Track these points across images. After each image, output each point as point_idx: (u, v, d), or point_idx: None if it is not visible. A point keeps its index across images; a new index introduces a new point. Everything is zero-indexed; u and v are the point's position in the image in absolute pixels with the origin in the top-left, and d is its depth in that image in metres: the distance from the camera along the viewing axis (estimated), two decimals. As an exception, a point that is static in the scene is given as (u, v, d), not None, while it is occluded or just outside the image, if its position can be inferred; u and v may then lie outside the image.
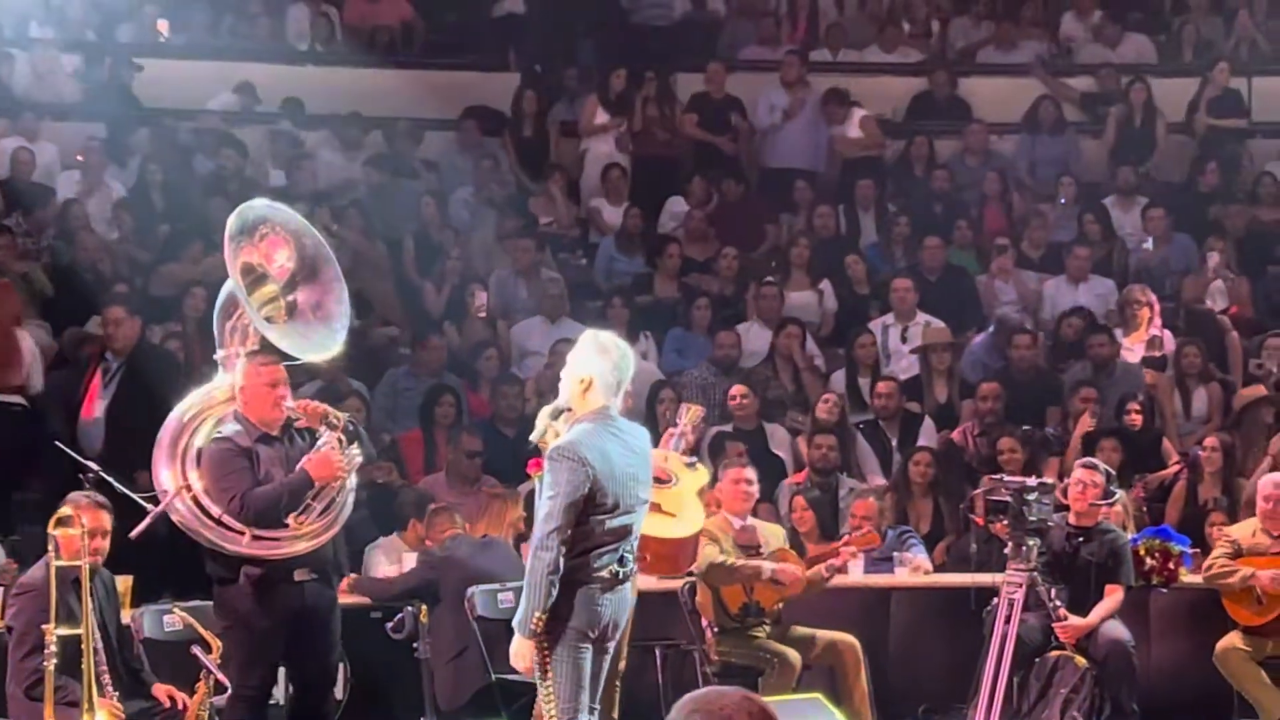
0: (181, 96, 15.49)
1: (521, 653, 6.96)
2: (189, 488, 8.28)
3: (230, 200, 13.99)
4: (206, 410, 8.41)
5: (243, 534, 8.17)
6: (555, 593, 6.88)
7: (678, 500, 9.01)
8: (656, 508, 8.46)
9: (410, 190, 15.06)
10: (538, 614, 6.88)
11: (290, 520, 8.18)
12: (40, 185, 14.14)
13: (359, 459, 8.36)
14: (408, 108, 15.72)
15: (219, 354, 8.49)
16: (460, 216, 15.11)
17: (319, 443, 8.27)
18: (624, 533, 7.05)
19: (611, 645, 7.22)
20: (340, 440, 8.28)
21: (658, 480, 8.67)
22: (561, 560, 6.85)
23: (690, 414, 9.87)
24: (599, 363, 7.01)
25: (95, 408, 11.89)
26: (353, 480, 8.38)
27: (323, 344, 8.49)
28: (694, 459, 9.06)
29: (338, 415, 8.37)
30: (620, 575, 7.06)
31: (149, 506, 8.55)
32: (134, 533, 8.62)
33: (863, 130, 15.80)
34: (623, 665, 8.60)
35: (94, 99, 15.11)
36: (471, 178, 15.28)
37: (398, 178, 15.14)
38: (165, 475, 8.30)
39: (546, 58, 16.13)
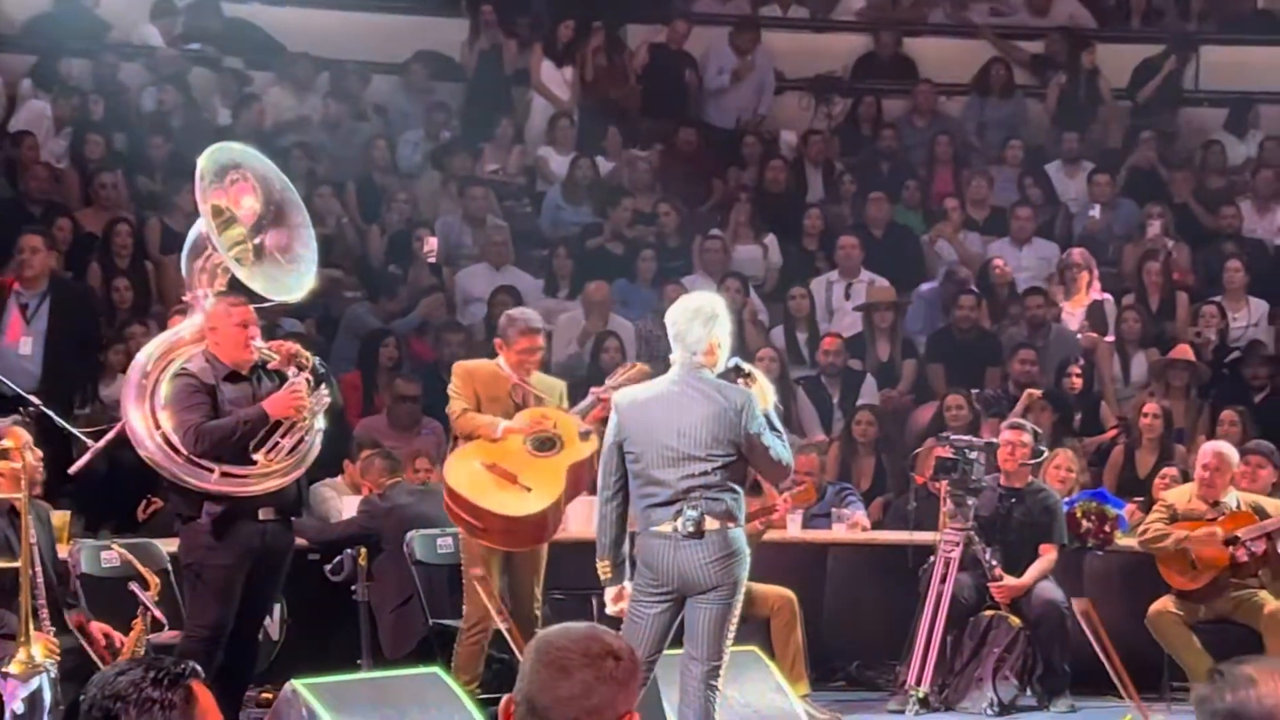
0: (125, 31, 15.28)
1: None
2: (157, 426, 8.20)
3: (171, 138, 13.94)
4: (174, 351, 8.36)
5: (212, 470, 8.13)
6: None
7: (544, 473, 8.87)
8: (513, 479, 8.57)
9: (357, 133, 14.95)
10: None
11: (259, 457, 8.16)
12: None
13: (327, 399, 8.35)
14: (356, 50, 15.56)
15: (187, 295, 8.46)
16: (407, 161, 15.01)
17: (288, 383, 8.26)
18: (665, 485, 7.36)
19: (697, 597, 7.47)
20: (308, 381, 8.27)
21: (547, 444, 8.74)
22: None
23: (633, 371, 9.76)
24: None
25: (23, 343, 11.74)
26: (321, 421, 8.36)
27: (292, 285, 8.47)
28: (589, 429, 8.92)
29: (307, 356, 8.37)
30: (677, 530, 7.34)
31: (89, 442, 8.51)
32: (73, 468, 8.60)
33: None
34: (538, 609, 8.81)
35: (33, 30, 14.87)
36: (420, 122, 15.18)
37: (345, 120, 15.02)
38: (135, 416, 8.24)
39: (499, 4, 16.00)
